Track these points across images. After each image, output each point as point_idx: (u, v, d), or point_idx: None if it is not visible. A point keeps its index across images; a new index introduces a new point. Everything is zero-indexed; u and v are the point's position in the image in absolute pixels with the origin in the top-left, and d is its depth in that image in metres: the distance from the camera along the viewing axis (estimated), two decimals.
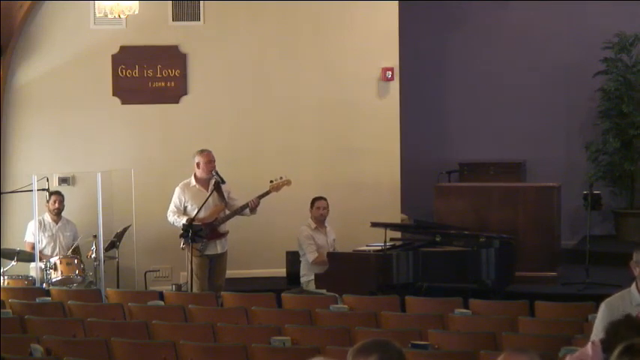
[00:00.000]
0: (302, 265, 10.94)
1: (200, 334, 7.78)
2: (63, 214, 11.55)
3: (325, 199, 11.10)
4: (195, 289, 10.29)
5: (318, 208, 11.05)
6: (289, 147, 12.50)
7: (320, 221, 11.06)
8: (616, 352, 4.06)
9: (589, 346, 5.02)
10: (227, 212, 10.69)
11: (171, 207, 10.69)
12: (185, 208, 10.63)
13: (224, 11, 12.46)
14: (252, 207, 10.59)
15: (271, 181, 10.74)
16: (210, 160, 10.70)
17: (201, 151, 10.77)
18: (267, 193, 10.66)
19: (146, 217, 11.57)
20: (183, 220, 10.41)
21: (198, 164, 10.72)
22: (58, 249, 11.33)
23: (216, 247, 10.67)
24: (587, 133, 13.97)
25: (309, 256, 10.84)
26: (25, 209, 11.43)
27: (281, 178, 10.74)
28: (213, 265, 10.68)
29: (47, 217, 11.41)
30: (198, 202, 10.48)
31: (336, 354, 6.25)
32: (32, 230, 11.23)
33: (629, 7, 13.68)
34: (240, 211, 10.64)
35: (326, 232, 11.07)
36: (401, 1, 12.51)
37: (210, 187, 10.60)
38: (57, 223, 11.43)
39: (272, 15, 12.49)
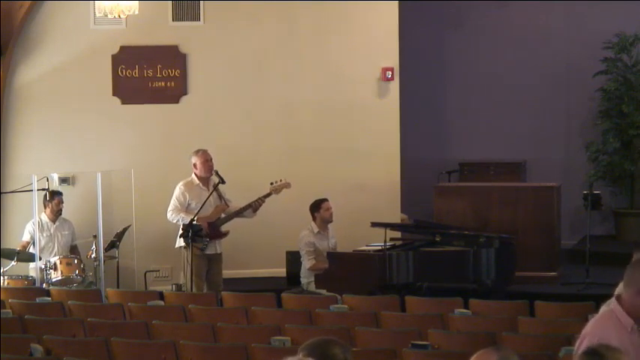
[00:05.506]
0: (302, 267, 10.95)
1: (200, 334, 7.78)
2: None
3: (328, 200, 11.06)
4: (194, 289, 10.29)
5: (327, 209, 10.94)
6: (289, 147, 12.49)
7: (326, 224, 10.99)
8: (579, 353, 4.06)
9: None
10: (228, 212, 10.70)
11: (174, 205, 10.66)
12: (189, 205, 10.63)
13: (224, 11, 12.46)
14: (255, 208, 10.60)
15: (271, 183, 10.75)
16: (207, 159, 10.72)
17: (197, 151, 10.79)
18: (267, 195, 10.68)
19: (146, 218, 11.57)
20: (188, 219, 10.40)
21: (195, 164, 10.73)
22: (56, 248, 11.33)
23: (216, 247, 10.70)
24: (587, 133, 13.95)
25: (306, 263, 10.84)
26: (25, 209, 11.43)
27: (281, 180, 10.75)
28: (212, 266, 10.69)
29: (44, 217, 11.39)
30: (201, 202, 10.48)
31: None
32: (30, 230, 11.22)
33: (629, 7, 13.67)
34: (241, 212, 10.65)
35: (328, 236, 11.03)
36: (401, 1, 12.51)
37: (211, 186, 10.61)
38: (54, 223, 11.42)
39: (272, 15, 12.48)
